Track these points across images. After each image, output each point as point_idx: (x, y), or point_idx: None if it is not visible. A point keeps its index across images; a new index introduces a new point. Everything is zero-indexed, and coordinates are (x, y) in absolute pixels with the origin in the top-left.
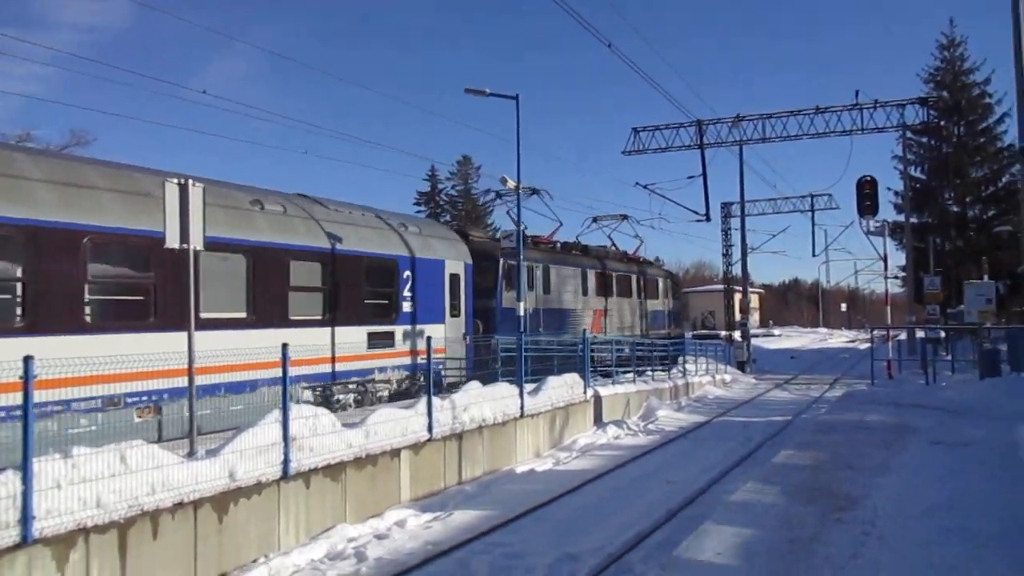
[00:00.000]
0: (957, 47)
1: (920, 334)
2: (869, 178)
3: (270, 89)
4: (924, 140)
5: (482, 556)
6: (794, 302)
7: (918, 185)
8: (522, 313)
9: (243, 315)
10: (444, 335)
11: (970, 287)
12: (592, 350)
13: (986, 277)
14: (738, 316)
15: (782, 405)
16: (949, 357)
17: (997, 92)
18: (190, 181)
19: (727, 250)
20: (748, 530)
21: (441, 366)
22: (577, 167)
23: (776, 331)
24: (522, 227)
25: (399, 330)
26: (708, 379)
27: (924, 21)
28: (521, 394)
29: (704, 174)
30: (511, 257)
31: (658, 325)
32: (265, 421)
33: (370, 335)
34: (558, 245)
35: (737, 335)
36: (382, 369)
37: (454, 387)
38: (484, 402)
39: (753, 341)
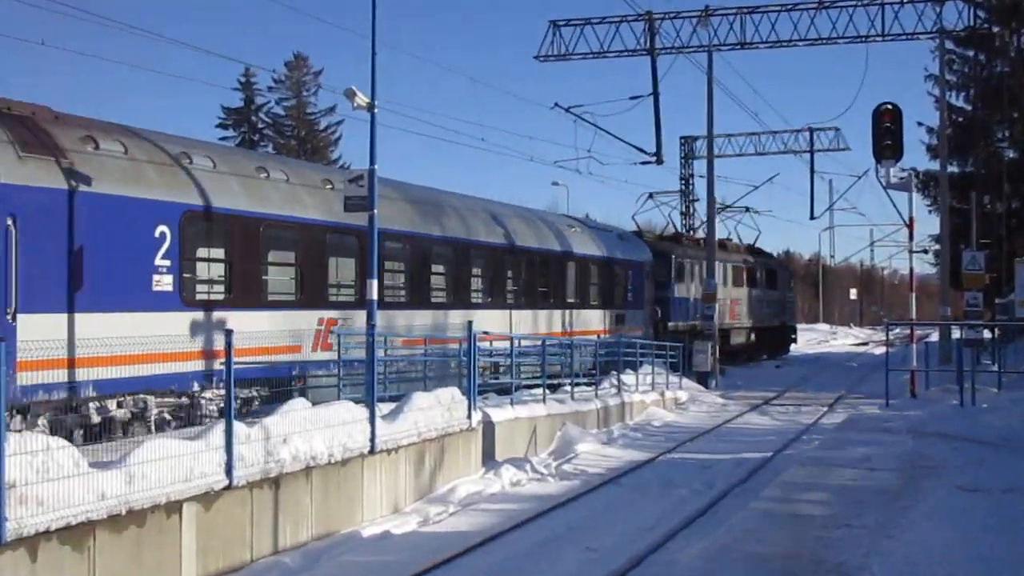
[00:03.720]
0: None
1: (956, 333)
2: (891, 107)
3: None
4: (969, 54)
5: None
6: None
7: (960, 119)
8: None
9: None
10: (642, 320)
11: None
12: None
13: None
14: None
15: (758, 436)
16: (995, 367)
17: None
18: None
19: (688, 207)
20: None
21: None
22: (471, 78)
23: None
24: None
25: (626, 314)
26: (654, 397)
27: None
28: (372, 419)
29: (655, 93)
30: (682, 256)
31: (774, 315)
32: None
33: (617, 316)
34: (702, 242)
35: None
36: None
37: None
38: (315, 430)
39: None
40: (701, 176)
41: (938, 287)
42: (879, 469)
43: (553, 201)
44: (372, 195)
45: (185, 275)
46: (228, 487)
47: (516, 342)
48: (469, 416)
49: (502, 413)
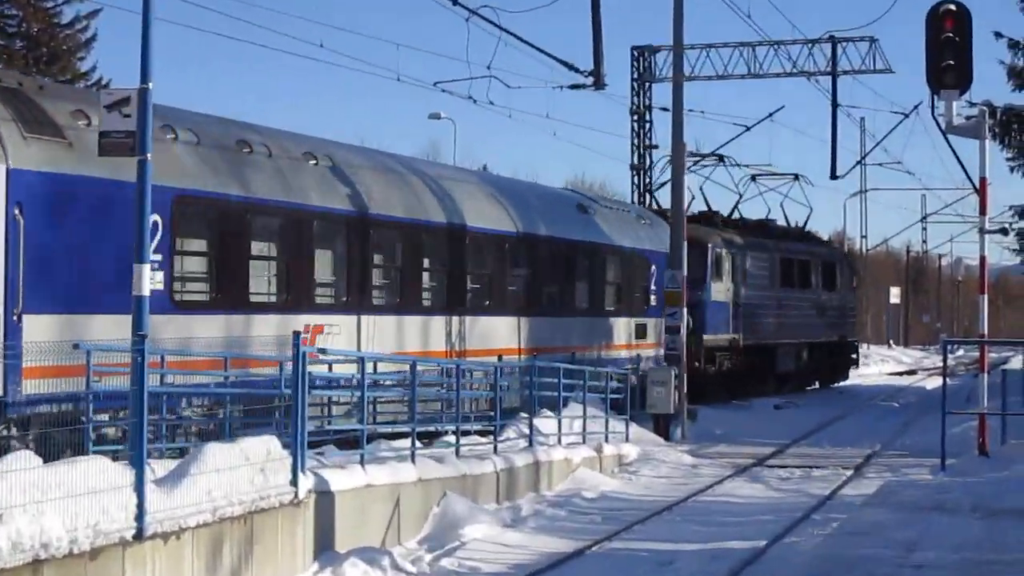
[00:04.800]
0: None
1: None
2: (955, 8)
3: None
4: None
5: None
6: None
7: None
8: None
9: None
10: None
11: None
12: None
13: None
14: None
15: (746, 515)
16: None
17: None
18: None
19: (644, 154)
20: None
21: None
22: None
23: None
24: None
25: (648, 324)
26: (586, 454)
27: None
28: (140, 484)
29: None
30: (722, 244)
31: (831, 326)
32: None
33: (638, 328)
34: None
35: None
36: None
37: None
38: (49, 502)
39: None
40: (665, 109)
41: (1022, 284)
42: (930, 568)
43: (431, 144)
44: (145, 130)
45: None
46: None
47: (371, 365)
48: (294, 482)
49: (347, 478)
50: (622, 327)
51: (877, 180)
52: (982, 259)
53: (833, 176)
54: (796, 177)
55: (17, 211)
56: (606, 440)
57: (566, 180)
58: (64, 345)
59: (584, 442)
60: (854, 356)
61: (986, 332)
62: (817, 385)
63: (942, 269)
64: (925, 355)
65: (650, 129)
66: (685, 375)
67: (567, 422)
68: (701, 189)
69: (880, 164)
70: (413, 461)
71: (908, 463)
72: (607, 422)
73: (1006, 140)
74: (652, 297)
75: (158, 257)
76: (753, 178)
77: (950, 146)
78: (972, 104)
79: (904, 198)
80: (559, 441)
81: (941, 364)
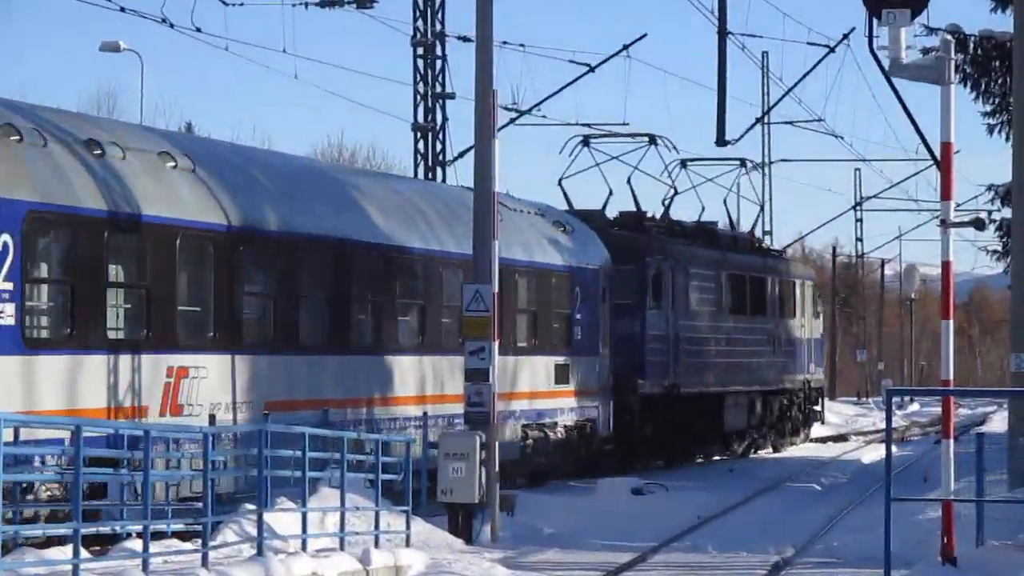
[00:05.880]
0: None
1: None
2: None
3: None
4: None
5: None
6: None
7: None
8: None
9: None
10: (596, 376)
11: None
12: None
13: None
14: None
15: None
16: None
17: None
18: None
19: (432, 107)
20: None
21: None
22: None
23: None
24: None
25: (572, 364)
26: (345, 566)
27: None
28: None
29: None
30: (663, 258)
31: (786, 367)
32: None
33: (558, 369)
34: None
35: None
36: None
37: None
38: None
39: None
40: (465, 39)
41: (1006, 304)
42: None
43: (105, 91)
44: None
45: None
46: None
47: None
48: None
49: None
50: (539, 368)
51: (787, 147)
52: (945, 266)
53: (721, 140)
54: (652, 140)
55: None
56: (377, 544)
57: (314, 145)
58: None
59: (343, 547)
60: (817, 408)
61: (951, 377)
62: (770, 450)
63: (885, 281)
64: (860, 411)
65: (443, 70)
66: (496, 444)
67: (317, 517)
68: (629, 182)
69: (791, 123)
70: None
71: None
72: (378, 517)
73: (982, 85)
74: (576, 329)
75: (8, 286)
76: (585, 142)
77: (897, 96)
78: (931, 31)
79: (829, 174)
80: (304, 547)
81: (885, 425)
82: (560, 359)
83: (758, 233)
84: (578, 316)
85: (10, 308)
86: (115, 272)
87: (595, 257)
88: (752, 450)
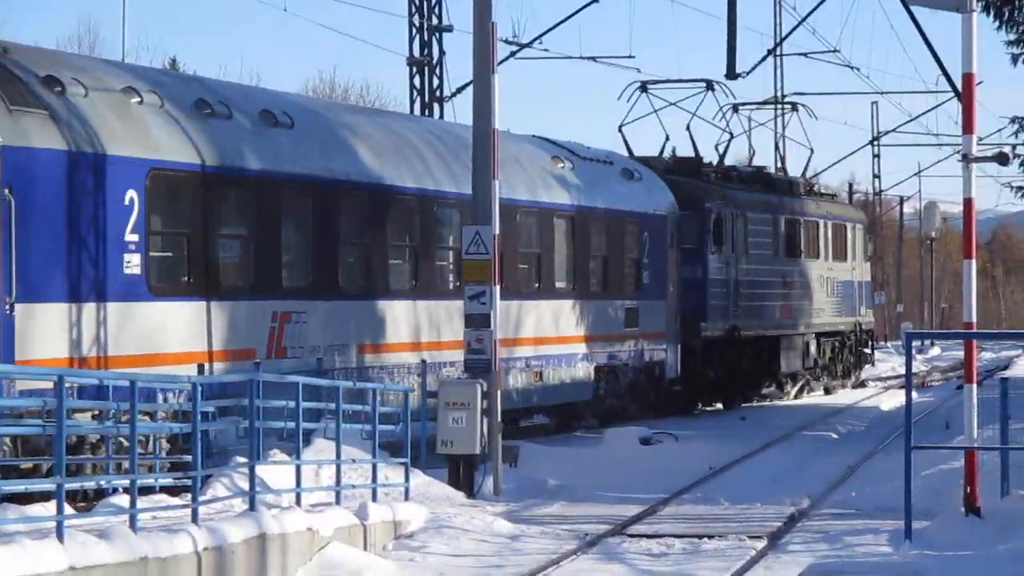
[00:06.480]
0: None
1: None
2: None
3: None
4: None
5: None
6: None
7: None
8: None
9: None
10: (664, 319)
11: None
12: None
13: None
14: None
15: None
16: None
17: None
18: None
19: (429, 41)
20: None
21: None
22: None
23: None
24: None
25: (640, 308)
26: (344, 521)
27: None
28: None
29: None
30: (723, 204)
31: (845, 308)
32: None
33: (628, 312)
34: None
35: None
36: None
37: None
38: None
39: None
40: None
41: None
42: None
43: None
44: None
45: (152, 254)
46: None
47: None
48: None
49: None
50: (611, 312)
51: (802, 80)
52: (967, 203)
53: (731, 73)
54: (710, 86)
55: (7, 191)
56: (374, 498)
57: (306, 81)
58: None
59: (339, 502)
60: (867, 350)
61: (974, 319)
62: (821, 392)
63: (904, 219)
64: (879, 356)
65: (439, 2)
66: (499, 393)
67: (311, 471)
68: (688, 128)
69: (805, 54)
70: (61, 539)
71: (854, 528)
72: (375, 469)
73: (1005, 13)
74: (644, 274)
75: (134, 238)
76: (643, 88)
77: (916, 25)
78: None
79: (845, 107)
80: (298, 501)
81: (904, 370)
82: (630, 303)
83: (798, 175)
84: (646, 261)
85: (136, 258)
86: (223, 226)
87: (662, 203)
88: (805, 391)
